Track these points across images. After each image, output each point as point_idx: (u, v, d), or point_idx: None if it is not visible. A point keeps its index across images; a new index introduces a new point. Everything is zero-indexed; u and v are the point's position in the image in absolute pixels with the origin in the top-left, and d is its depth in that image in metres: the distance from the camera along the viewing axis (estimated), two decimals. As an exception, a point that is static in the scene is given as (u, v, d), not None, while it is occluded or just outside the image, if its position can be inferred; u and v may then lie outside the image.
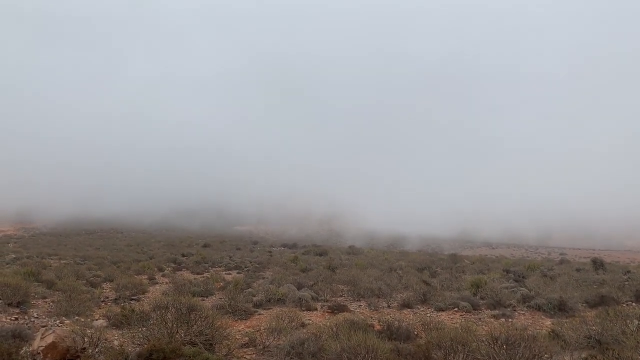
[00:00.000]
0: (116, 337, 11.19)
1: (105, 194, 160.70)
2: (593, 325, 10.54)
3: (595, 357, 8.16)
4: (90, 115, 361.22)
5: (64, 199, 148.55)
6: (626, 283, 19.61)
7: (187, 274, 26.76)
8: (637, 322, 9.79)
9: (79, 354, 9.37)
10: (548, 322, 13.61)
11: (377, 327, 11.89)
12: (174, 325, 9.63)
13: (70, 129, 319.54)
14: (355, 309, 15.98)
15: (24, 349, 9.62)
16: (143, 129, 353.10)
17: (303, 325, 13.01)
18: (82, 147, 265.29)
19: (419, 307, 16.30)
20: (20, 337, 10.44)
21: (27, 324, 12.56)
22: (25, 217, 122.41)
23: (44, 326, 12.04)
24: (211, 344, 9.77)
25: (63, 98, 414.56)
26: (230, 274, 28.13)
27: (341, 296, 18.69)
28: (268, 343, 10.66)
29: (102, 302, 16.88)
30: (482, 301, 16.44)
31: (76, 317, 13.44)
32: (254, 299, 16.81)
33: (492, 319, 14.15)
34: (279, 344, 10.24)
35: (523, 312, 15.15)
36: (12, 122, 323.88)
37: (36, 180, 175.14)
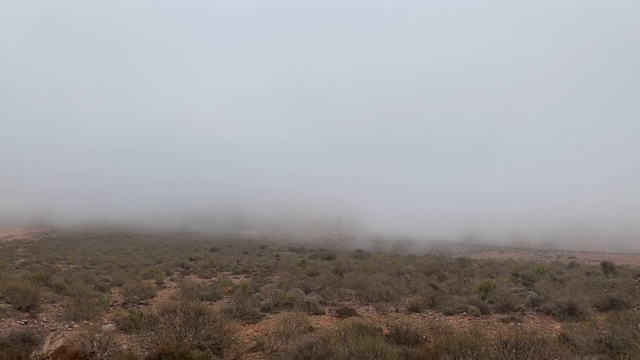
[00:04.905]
0: (125, 341, 11.24)
1: (126, 200, 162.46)
2: (603, 329, 10.44)
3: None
4: (112, 125, 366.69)
5: (85, 204, 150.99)
6: (637, 287, 19.40)
7: (195, 278, 26.79)
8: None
9: (88, 357, 9.41)
10: (558, 326, 13.48)
11: (385, 331, 11.85)
12: (182, 329, 9.66)
13: (92, 138, 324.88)
14: (363, 313, 15.93)
15: (33, 352, 9.70)
16: (160, 139, 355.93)
17: (311, 329, 12.99)
18: (103, 155, 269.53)
19: (427, 311, 16.22)
20: (30, 341, 10.50)
21: (36, 328, 12.64)
22: (41, 222, 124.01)
23: (53, 330, 12.11)
24: (219, 348, 9.79)
25: (85, 108, 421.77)
26: (238, 278, 28.16)
27: (349, 300, 18.64)
28: (276, 347, 10.66)
29: (110, 306, 16.94)
30: (491, 305, 16.33)
31: (85, 322, 13.51)
32: (262, 303, 16.80)
33: (501, 323, 14.06)
34: (287, 348, 10.23)
35: (532, 316, 15.03)
36: (36, 131, 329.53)
37: (57, 187, 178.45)
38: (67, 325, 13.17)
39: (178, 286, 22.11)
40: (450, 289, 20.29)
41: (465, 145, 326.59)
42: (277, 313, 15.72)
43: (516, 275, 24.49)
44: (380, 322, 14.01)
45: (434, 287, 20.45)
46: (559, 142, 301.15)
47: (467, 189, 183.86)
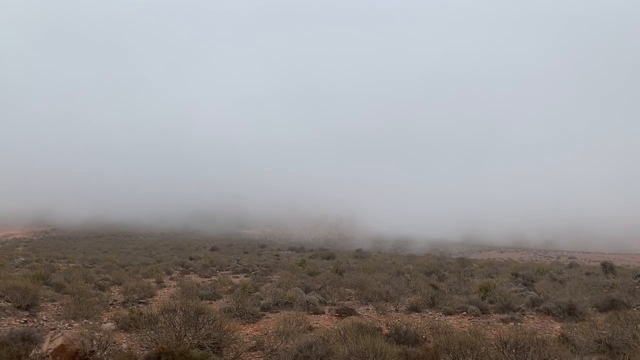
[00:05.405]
0: (124, 340, 11.24)
1: (126, 199, 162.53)
2: (603, 329, 10.43)
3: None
4: (112, 125, 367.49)
5: (85, 203, 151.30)
6: (637, 287, 19.39)
7: (195, 278, 26.80)
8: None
9: (88, 356, 9.41)
10: (557, 326, 13.48)
11: (385, 331, 11.85)
12: (182, 328, 9.66)
13: (92, 137, 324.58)
14: (363, 313, 15.93)
15: (33, 351, 9.70)
16: (160, 138, 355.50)
17: (311, 328, 12.99)
18: (103, 155, 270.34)
19: (427, 311, 16.21)
20: (30, 339, 10.50)
21: (36, 326, 12.64)
22: (41, 221, 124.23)
23: (53, 329, 12.11)
24: (219, 347, 9.78)
25: (85, 108, 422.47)
26: (237, 277, 28.17)
27: (349, 300, 18.63)
28: (276, 346, 10.66)
29: (110, 305, 16.94)
30: (490, 305, 16.32)
31: (85, 320, 13.51)
32: (262, 302, 16.80)
33: (500, 323, 14.05)
34: (287, 348, 10.23)
35: (532, 316, 15.03)
36: (36, 130, 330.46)
37: (57, 186, 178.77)
38: (66, 324, 13.18)
39: (178, 285, 22.11)
40: (450, 289, 20.28)
41: (465, 146, 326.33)
42: (276, 312, 15.71)
43: (516, 276, 24.48)
44: (380, 321, 14.01)
45: (434, 287, 20.44)
46: (559, 143, 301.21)
47: (467, 189, 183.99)
